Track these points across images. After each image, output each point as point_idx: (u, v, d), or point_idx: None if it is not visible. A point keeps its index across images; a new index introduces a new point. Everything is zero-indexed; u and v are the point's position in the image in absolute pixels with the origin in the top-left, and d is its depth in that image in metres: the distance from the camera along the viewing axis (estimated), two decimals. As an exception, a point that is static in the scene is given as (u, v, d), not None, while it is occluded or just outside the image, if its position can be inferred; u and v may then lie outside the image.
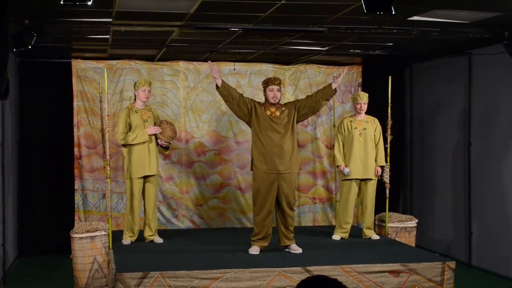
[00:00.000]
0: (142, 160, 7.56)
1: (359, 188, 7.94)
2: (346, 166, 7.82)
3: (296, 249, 7.13)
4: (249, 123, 7.18)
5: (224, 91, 6.99)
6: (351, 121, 7.93)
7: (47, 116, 9.19)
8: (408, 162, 10.19)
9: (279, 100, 7.15)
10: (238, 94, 7.10)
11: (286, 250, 7.17)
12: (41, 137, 9.14)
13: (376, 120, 8.01)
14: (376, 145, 7.92)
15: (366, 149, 7.84)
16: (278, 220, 7.16)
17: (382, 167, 7.94)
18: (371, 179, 7.87)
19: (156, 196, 7.88)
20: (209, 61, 7.14)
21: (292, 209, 7.16)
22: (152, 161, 7.62)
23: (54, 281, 7.76)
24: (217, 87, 7.03)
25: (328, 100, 7.29)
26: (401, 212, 9.78)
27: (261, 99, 9.31)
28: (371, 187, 7.91)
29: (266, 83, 7.14)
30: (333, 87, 7.12)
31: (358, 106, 7.93)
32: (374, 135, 7.91)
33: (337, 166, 7.98)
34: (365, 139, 7.85)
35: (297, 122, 7.23)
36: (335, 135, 8.23)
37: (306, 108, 7.15)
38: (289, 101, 7.56)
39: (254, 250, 7.10)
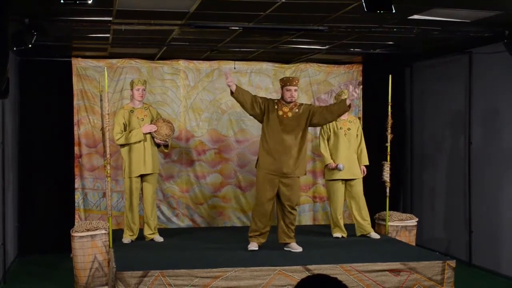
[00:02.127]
0: (138, 159, 7.58)
1: (345, 188, 7.96)
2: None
3: (296, 247, 7.13)
4: (262, 121, 7.20)
5: (239, 96, 6.97)
6: (336, 121, 7.95)
7: (47, 115, 9.19)
8: (408, 160, 10.19)
9: (295, 99, 7.18)
10: (250, 97, 7.06)
11: (287, 249, 7.17)
12: (41, 136, 9.13)
13: (358, 120, 8.15)
14: (359, 145, 7.97)
15: (351, 149, 7.91)
16: (279, 217, 7.18)
17: (366, 166, 8.00)
18: (357, 179, 7.91)
19: (154, 195, 7.88)
20: (225, 71, 7.14)
21: (294, 209, 7.18)
22: (148, 160, 7.62)
23: (54, 280, 7.75)
24: (231, 92, 7.01)
25: (341, 115, 7.36)
26: (401, 211, 9.79)
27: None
28: (359, 186, 7.94)
29: (285, 82, 7.15)
30: (347, 103, 7.07)
31: None
32: (357, 135, 7.96)
33: (326, 165, 7.97)
34: (349, 139, 7.93)
35: (309, 127, 7.25)
36: (319, 134, 8.20)
37: (320, 117, 7.12)
38: (306, 103, 7.50)
39: (253, 246, 7.15)
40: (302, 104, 7.26)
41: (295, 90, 7.12)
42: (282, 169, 6.98)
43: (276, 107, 7.09)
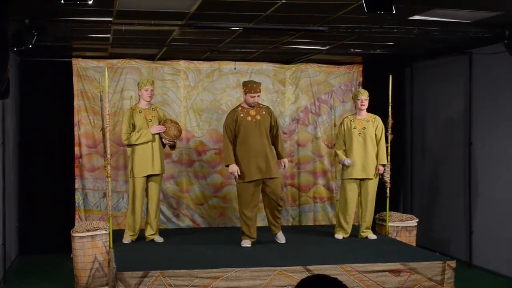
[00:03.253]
0: (146, 159, 7.58)
1: (359, 188, 7.92)
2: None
3: (281, 238, 7.50)
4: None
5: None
6: (351, 121, 7.91)
7: (48, 115, 9.18)
8: (408, 161, 10.19)
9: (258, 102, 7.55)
10: (230, 142, 7.39)
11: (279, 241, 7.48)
12: (41, 136, 9.12)
13: (378, 118, 7.94)
14: (377, 144, 7.88)
15: (366, 148, 7.79)
16: (267, 212, 7.48)
17: (383, 165, 7.90)
18: (371, 179, 7.84)
19: (159, 196, 7.88)
20: (234, 171, 7.37)
21: (281, 200, 7.51)
22: (156, 160, 7.63)
23: (54, 280, 7.76)
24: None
25: None
26: (401, 211, 9.78)
27: (261, 97, 9.35)
28: (372, 187, 7.85)
29: (249, 89, 7.40)
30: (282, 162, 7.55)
31: (359, 102, 7.87)
32: (375, 134, 7.87)
33: (340, 161, 7.96)
34: (364, 139, 7.81)
35: None
36: (335, 134, 8.21)
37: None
38: (266, 106, 7.80)
39: (246, 243, 7.37)
40: (263, 105, 7.65)
41: (258, 96, 7.45)
42: (263, 174, 7.28)
43: (242, 114, 7.40)
